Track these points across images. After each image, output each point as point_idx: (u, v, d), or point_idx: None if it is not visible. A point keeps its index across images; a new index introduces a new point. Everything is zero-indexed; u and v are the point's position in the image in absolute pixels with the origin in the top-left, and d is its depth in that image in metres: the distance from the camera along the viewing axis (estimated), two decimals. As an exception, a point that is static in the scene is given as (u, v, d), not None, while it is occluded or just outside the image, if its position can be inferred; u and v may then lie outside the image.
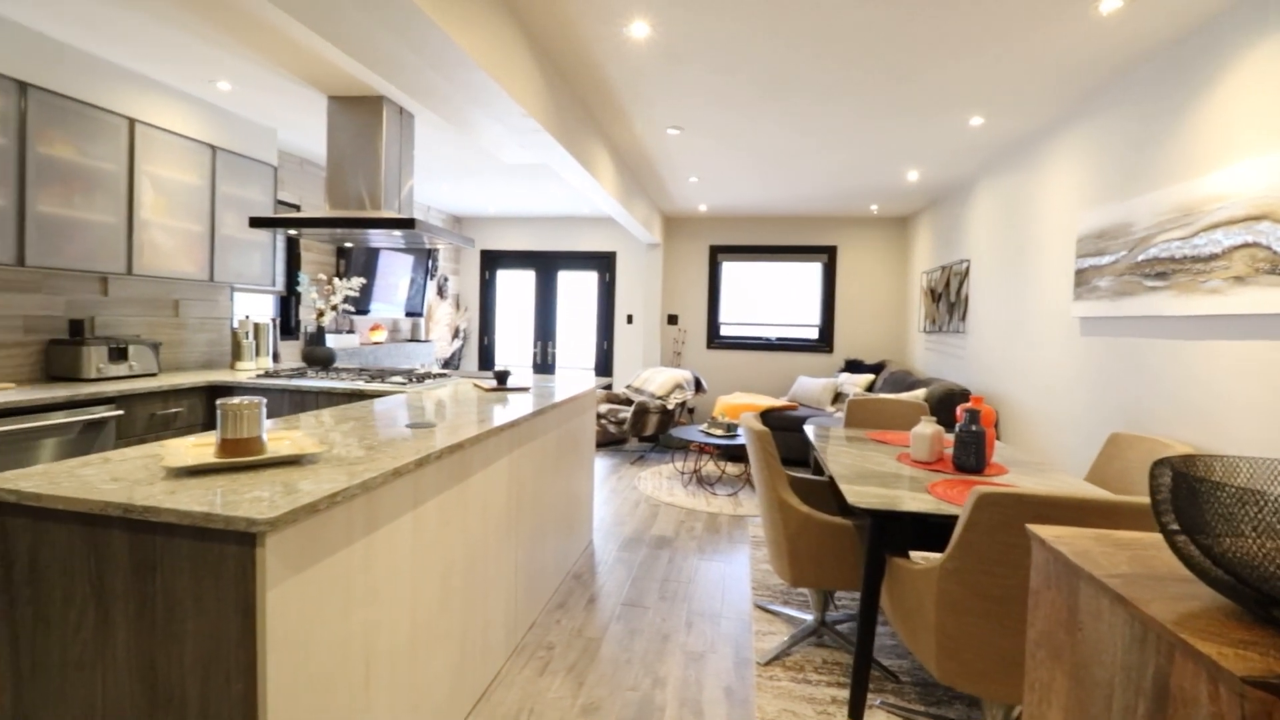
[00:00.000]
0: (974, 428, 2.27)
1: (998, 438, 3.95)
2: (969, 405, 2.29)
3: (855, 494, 1.95)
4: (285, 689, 1.18)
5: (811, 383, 5.92)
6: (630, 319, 7.00)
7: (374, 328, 5.51)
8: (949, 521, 1.87)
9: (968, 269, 4.67)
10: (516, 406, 2.43)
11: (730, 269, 6.83)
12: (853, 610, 2.76)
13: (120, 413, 2.69)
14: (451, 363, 6.85)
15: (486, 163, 4.64)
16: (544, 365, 7.19)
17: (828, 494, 2.73)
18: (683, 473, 5.13)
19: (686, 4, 2.30)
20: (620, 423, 5.39)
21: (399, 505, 1.55)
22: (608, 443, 5.97)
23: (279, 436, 1.63)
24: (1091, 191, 3.04)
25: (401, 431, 1.87)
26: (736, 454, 5.62)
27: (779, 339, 6.72)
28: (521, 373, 3.96)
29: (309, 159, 4.72)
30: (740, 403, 5.59)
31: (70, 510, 1.19)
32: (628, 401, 5.71)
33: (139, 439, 2.82)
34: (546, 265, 7.16)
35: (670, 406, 5.37)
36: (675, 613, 2.71)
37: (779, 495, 2.24)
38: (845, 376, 5.86)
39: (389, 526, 1.51)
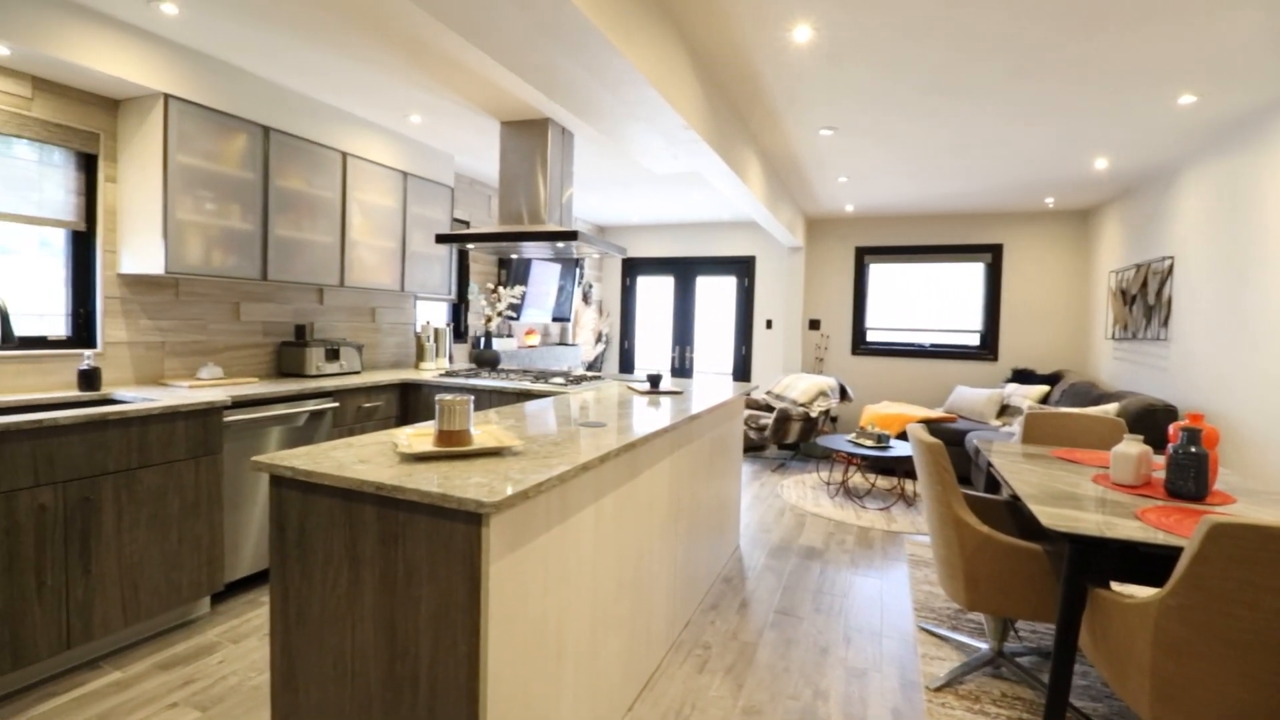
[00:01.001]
0: (1193, 449, 1.99)
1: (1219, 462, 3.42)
2: (1186, 424, 2.02)
3: (1051, 517, 1.79)
4: (500, 655, 1.31)
5: (972, 393, 5.48)
6: (769, 324, 6.91)
7: (529, 332, 5.91)
8: (1165, 553, 1.66)
9: (1170, 267, 4.09)
10: (673, 410, 2.51)
11: (878, 271, 6.51)
12: (1036, 643, 2.53)
13: (336, 405, 3.13)
14: (594, 366, 7.17)
15: (635, 174, 4.82)
16: (682, 370, 7.30)
17: (1004, 514, 2.52)
18: (828, 483, 4.97)
19: (850, 6, 2.26)
20: (761, 429, 5.33)
21: (584, 498, 1.67)
22: (747, 449, 5.93)
23: (479, 430, 1.82)
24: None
25: (576, 429, 2.01)
26: (887, 466, 5.34)
27: (933, 346, 6.29)
28: (663, 377, 4.07)
29: (477, 179, 5.18)
30: (891, 412, 5.30)
31: (333, 485, 1.41)
32: (768, 408, 5.63)
33: (348, 428, 3.26)
34: (685, 271, 7.27)
35: (813, 414, 5.23)
36: (832, 626, 2.64)
37: (954, 513, 2.11)
38: (1013, 387, 5.36)
39: (577, 517, 1.63)
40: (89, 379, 2.59)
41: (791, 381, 5.62)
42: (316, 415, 3.07)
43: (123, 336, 2.82)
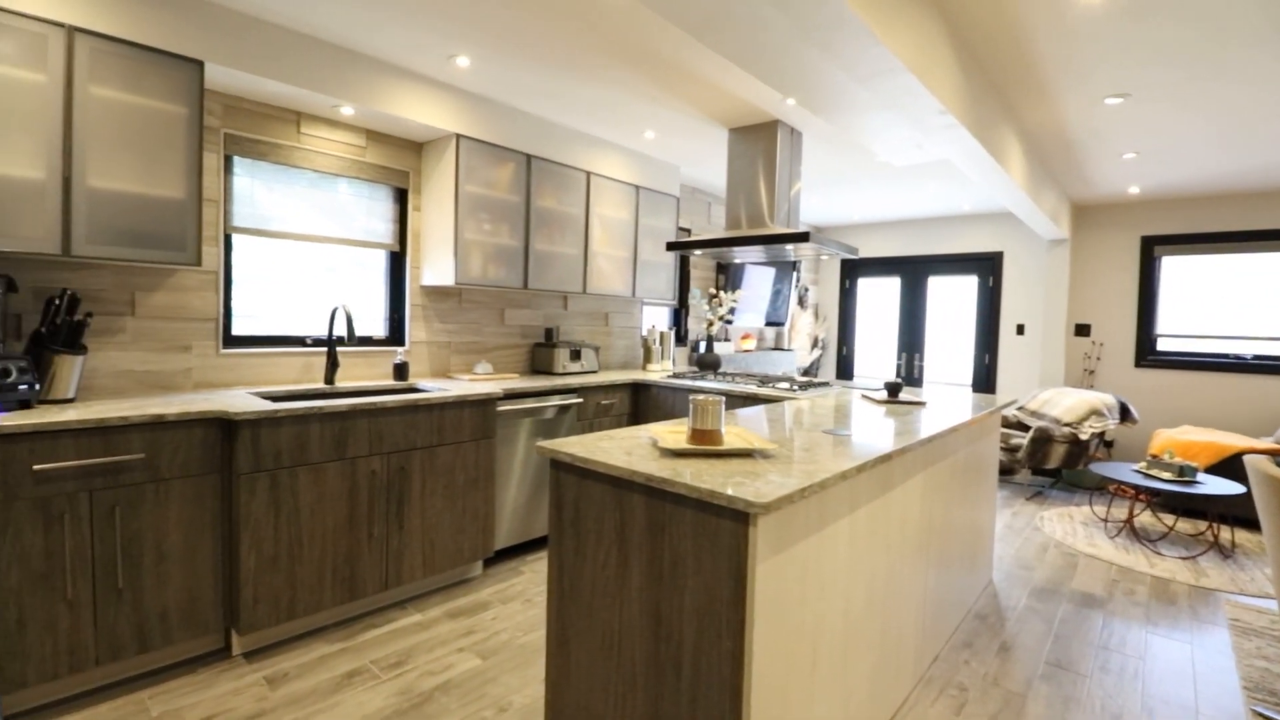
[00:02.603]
0: None
1: None
2: None
3: None
4: (762, 655, 1.31)
5: (1324, 420, 4.19)
6: (1021, 329, 6.04)
7: (745, 336, 5.92)
8: None
9: None
10: (922, 422, 2.30)
11: (1173, 265, 5.33)
12: None
13: (580, 400, 3.43)
14: (809, 372, 6.93)
15: (865, 170, 4.56)
16: (909, 379, 6.72)
17: None
18: (1105, 520, 4.18)
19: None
20: (1012, 450, 4.67)
21: (839, 508, 1.60)
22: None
23: (726, 430, 1.85)
24: None
25: (821, 437, 1.94)
26: (1193, 507, 4.33)
27: (1257, 358, 4.96)
28: (880, 386, 3.75)
29: (698, 188, 5.33)
30: (1197, 439, 4.29)
31: (605, 473, 1.54)
32: (1021, 426, 4.92)
33: (589, 422, 3.56)
34: (914, 271, 6.68)
35: (1083, 436, 4.43)
36: (1126, 691, 2.20)
37: (1332, 571, 1.61)
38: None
39: (833, 527, 1.57)
40: (400, 371, 3.18)
41: (1053, 397, 4.84)
42: (563, 409, 3.39)
43: (422, 337, 3.41)
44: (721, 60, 2.66)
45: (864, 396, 3.09)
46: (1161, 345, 5.38)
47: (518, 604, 2.68)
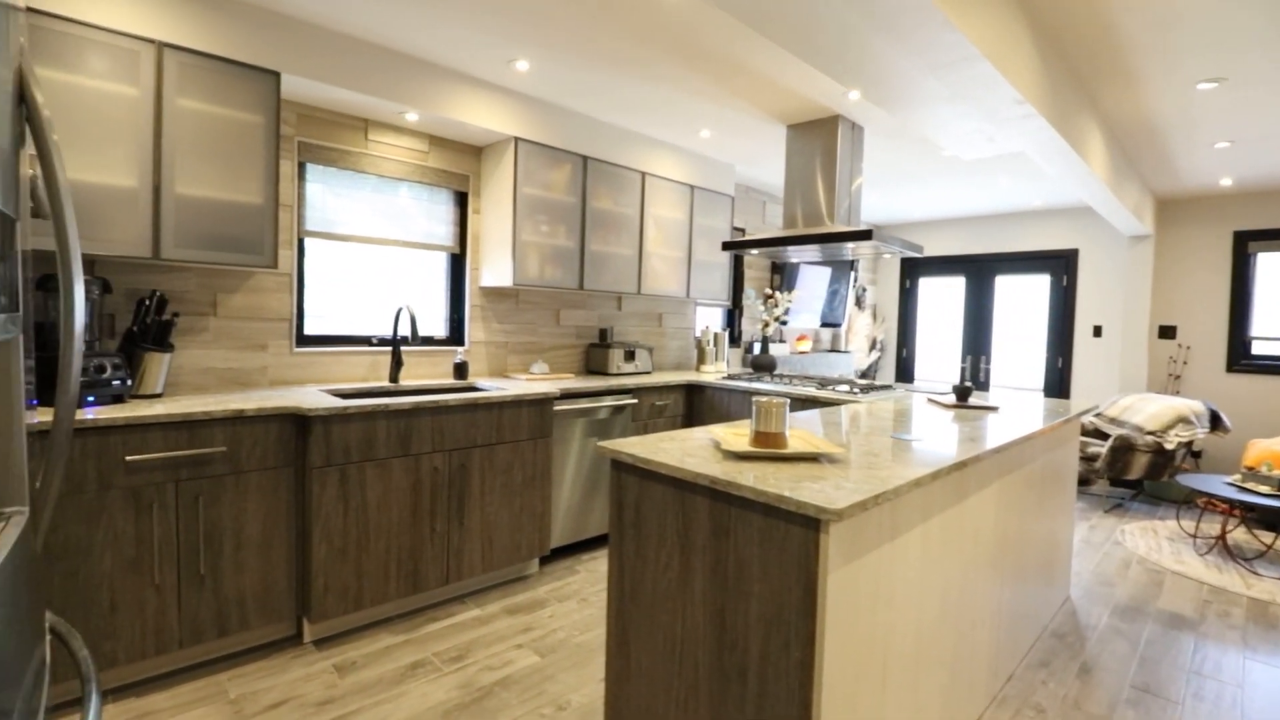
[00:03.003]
0: None
1: None
2: None
3: None
4: (833, 668, 1.26)
5: None
6: (1098, 331, 5.70)
7: (800, 338, 5.80)
8: None
9: None
10: (996, 428, 2.18)
11: (1269, 262, 4.92)
12: None
13: (635, 401, 3.43)
14: (868, 374, 6.73)
15: (929, 165, 4.39)
16: (975, 383, 6.44)
17: None
18: (1194, 536, 3.89)
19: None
20: (1089, 459, 4.41)
21: (912, 517, 1.53)
22: (1063, 479, 4.97)
23: (789, 432, 1.80)
24: None
25: (889, 441, 1.86)
26: (1286, 522, 3.99)
27: (1371, 362, 4.52)
28: (942, 389, 3.59)
29: (753, 186, 5.25)
30: (1298, 450, 3.95)
31: (667, 475, 1.52)
32: (1099, 434, 4.64)
33: (643, 423, 3.55)
34: (980, 270, 6.40)
35: (1168, 446, 4.14)
36: (1225, 721, 2.03)
37: None
38: None
39: (905, 536, 1.50)
40: (460, 370, 3.25)
41: (1134, 403, 4.55)
42: (618, 410, 3.39)
43: (481, 337, 3.47)
44: (779, 55, 2.61)
45: (930, 400, 2.97)
46: (1256, 349, 4.98)
47: (574, 603, 2.69)
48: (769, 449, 1.62)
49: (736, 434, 1.80)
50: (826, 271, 6.00)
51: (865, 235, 2.98)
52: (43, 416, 1.73)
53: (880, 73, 2.31)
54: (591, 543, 3.43)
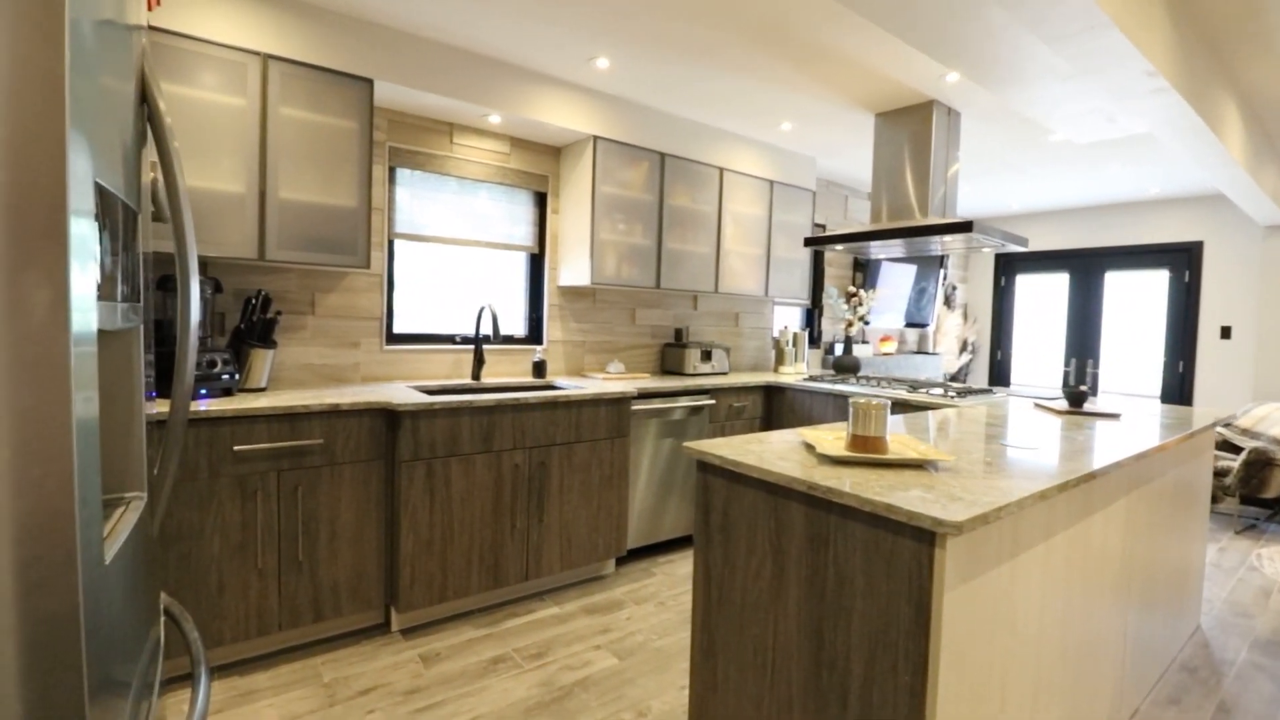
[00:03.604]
0: None
1: None
2: None
3: None
4: (947, 696, 1.15)
5: None
6: (1226, 332, 5.13)
7: (884, 339, 5.53)
8: None
9: None
10: (1117, 437, 1.96)
11: None
12: None
13: (713, 402, 3.34)
14: (958, 377, 6.35)
15: (1029, 151, 4.07)
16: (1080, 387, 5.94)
17: None
18: (1351, 562, 3.41)
19: None
20: (1220, 475, 3.96)
21: (1034, 534, 1.38)
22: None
23: (891, 439, 1.68)
24: None
25: (998, 449, 1.70)
26: None
27: None
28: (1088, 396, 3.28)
29: (834, 180, 5.05)
30: None
31: (759, 478, 1.44)
32: (1229, 447, 4.16)
33: (720, 425, 3.46)
34: (1086, 265, 5.90)
35: (1320, 459, 3.65)
36: None
37: None
38: None
39: (1026, 554, 1.36)
40: (539, 369, 3.27)
41: (1271, 413, 4.05)
42: (694, 410, 3.32)
43: (558, 336, 3.49)
44: (871, 35, 2.46)
45: (1038, 406, 2.74)
46: None
47: (651, 605, 2.64)
48: (868, 454, 1.51)
49: (830, 437, 1.70)
50: (911, 269, 5.70)
51: (965, 227, 2.78)
52: (160, 408, 1.85)
53: (987, 49, 2.13)
54: (666, 545, 3.38)
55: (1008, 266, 6.45)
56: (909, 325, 5.84)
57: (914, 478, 1.35)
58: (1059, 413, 2.54)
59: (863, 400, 1.56)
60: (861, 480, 1.31)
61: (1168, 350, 5.45)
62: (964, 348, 6.40)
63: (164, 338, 2.15)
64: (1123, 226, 5.67)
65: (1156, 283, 5.54)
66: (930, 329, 6.06)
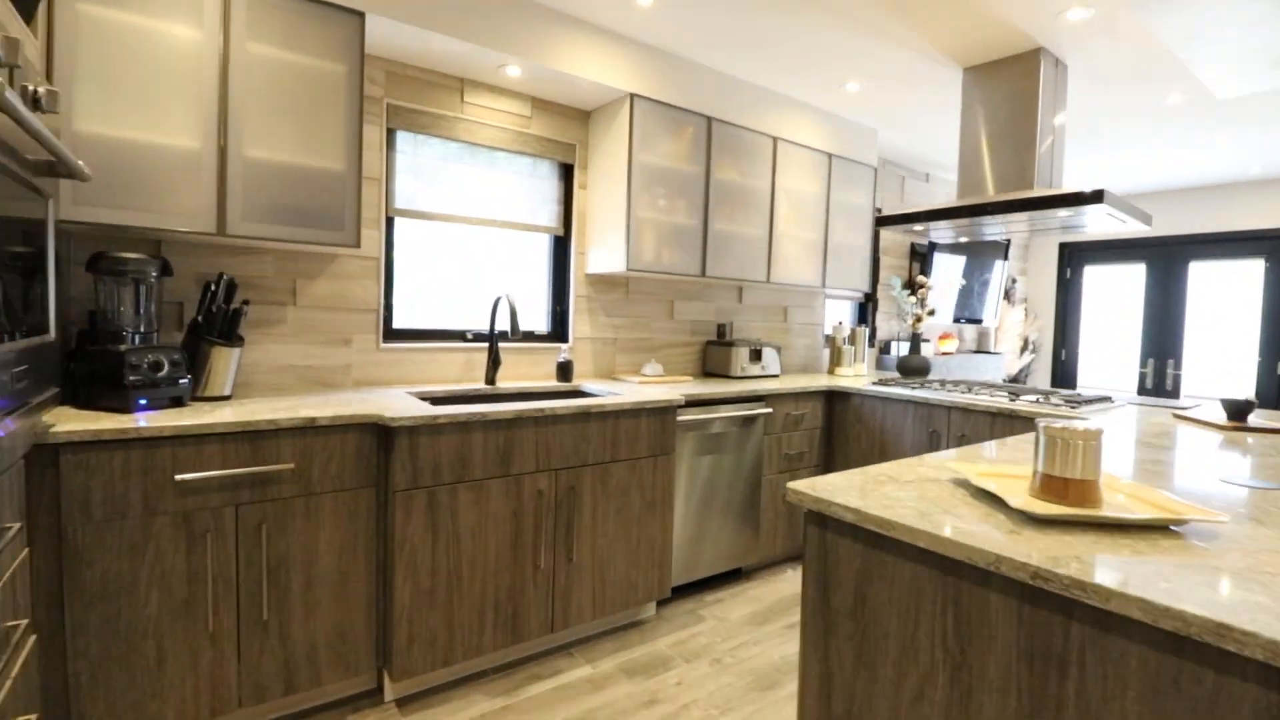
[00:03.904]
0: None
1: None
2: None
3: None
4: None
5: None
6: (1341, 329, 4.51)
7: (944, 336, 4.97)
8: None
9: None
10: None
11: None
12: None
13: (769, 411, 2.83)
14: (1019, 379, 5.77)
15: (1127, 121, 3.51)
16: (1159, 390, 5.35)
17: None
18: None
19: None
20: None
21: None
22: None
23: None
24: None
25: (1226, 489, 1.18)
26: None
27: None
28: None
29: (890, 159, 4.51)
30: None
31: (923, 547, 0.93)
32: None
33: (776, 436, 2.95)
34: (1168, 254, 5.29)
35: None
36: None
37: None
38: None
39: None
40: (564, 371, 2.78)
41: None
42: (746, 421, 2.81)
43: (586, 332, 3.00)
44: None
45: (1179, 416, 2.20)
46: None
47: (704, 664, 2.14)
48: (1077, 508, 1.00)
49: (1004, 476, 1.19)
50: (960, 260, 5.11)
51: (1096, 197, 2.25)
52: (78, 423, 1.38)
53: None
54: (708, 582, 2.87)
55: (1074, 256, 5.85)
56: (967, 321, 5.27)
57: (1170, 548, 0.84)
58: (1219, 427, 2.00)
59: (1059, 426, 1.05)
60: (1086, 553, 0.81)
61: (1262, 350, 4.84)
62: (1025, 346, 5.81)
63: (96, 335, 1.69)
64: (1212, 211, 5.05)
65: (1250, 274, 4.92)
66: (991, 325, 5.49)
